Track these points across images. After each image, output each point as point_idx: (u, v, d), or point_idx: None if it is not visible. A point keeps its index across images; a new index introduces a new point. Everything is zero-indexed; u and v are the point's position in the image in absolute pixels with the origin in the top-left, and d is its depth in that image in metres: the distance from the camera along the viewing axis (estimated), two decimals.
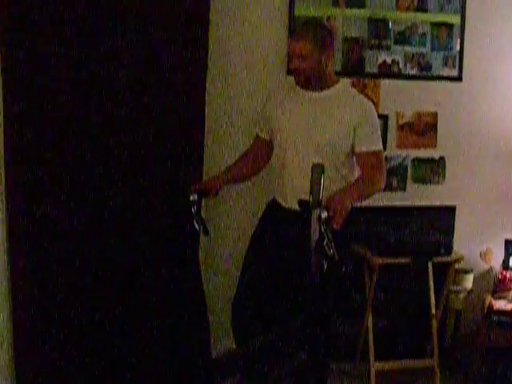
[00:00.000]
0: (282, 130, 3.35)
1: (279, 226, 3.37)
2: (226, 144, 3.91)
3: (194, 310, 3.69)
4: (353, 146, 3.28)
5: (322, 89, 3.29)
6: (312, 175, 2.94)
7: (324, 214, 2.92)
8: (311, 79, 3.25)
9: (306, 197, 3.02)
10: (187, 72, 3.56)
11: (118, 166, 3.51)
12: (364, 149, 3.27)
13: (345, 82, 3.45)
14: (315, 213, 2.92)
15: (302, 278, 3.20)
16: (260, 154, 3.55)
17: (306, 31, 3.23)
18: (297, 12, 3.90)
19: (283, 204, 3.38)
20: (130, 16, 3.42)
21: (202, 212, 3.50)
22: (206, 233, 3.41)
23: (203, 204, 3.52)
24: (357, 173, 3.38)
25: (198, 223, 3.35)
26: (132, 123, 3.50)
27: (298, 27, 3.35)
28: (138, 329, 3.63)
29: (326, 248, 2.91)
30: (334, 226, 2.92)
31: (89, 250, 3.48)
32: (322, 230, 2.92)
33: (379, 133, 3.37)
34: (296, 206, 3.16)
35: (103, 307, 3.54)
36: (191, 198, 3.34)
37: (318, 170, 2.92)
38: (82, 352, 3.51)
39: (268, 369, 3.44)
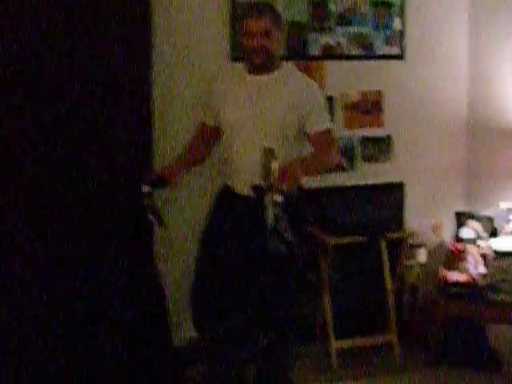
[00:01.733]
0: (230, 116, 3.32)
1: (233, 212, 3.34)
2: (173, 136, 3.88)
3: (152, 301, 3.67)
4: (304, 128, 3.28)
5: (270, 71, 3.26)
6: (263, 159, 2.96)
7: (278, 198, 2.93)
8: (270, 59, 3.22)
9: (257, 181, 3.07)
10: (132, 66, 3.55)
11: (65, 163, 3.48)
12: (316, 129, 3.27)
13: (289, 64, 3.43)
14: (269, 197, 2.94)
15: (260, 263, 3.22)
16: (208, 139, 3.52)
17: (263, 10, 3.21)
18: None
19: (235, 190, 3.36)
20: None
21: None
22: (162, 224, 3.40)
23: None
24: None
25: (153, 215, 3.32)
26: (77, 120, 3.48)
27: (250, 7, 3.29)
28: (97, 322, 3.58)
29: (283, 231, 2.94)
30: (284, 188, 2.93)
31: (41, 244, 3.45)
32: (277, 213, 2.93)
33: (326, 111, 3.39)
34: (248, 192, 3.19)
35: (60, 301, 3.52)
36: (144, 189, 3.30)
37: (268, 153, 2.94)
38: (41, 348, 3.48)
39: (231, 355, 3.46)
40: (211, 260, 3.40)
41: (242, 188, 3.29)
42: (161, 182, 3.39)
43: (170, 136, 3.87)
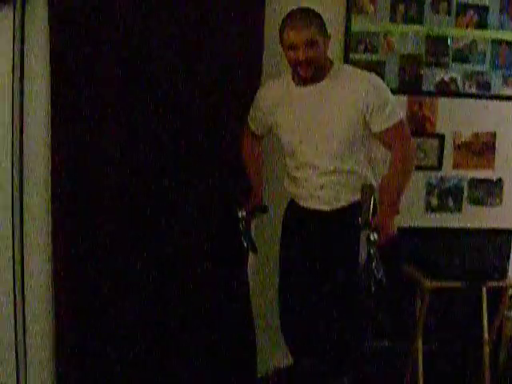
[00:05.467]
0: (287, 132, 3.19)
1: (308, 230, 3.24)
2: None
3: (241, 328, 3.65)
4: (369, 126, 3.09)
5: (319, 80, 3.09)
6: (362, 196, 2.90)
7: (373, 236, 2.86)
8: (318, 70, 3.04)
9: (327, 197, 3.11)
10: (243, 62, 3.49)
11: (167, 173, 3.48)
12: (382, 127, 3.07)
13: (340, 65, 3.26)
14: (364, 234, 2.87)
15: (349, 297, 3.13)
16: (259, 146, 3.47)
17: (306, 18, 2.98)
18: (353, 28, 3.84)
19: (305, 205, 3.24)
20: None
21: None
22: (254, 250, 3.36)
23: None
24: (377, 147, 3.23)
25: (245, 241, 3.30)
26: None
27: (290, 17, 3.03)
28: (185, 345, 3.60)
29: (375, 271, 2.86)
30: (383, 242, 2.91)
31: (135, 258, 3.47)
32: (372, 252, 2.87)
33: (393, 103, 3.10)
34: (318, 206, 3.15)
35: (148, 320, 3.53)
36: (239, 214, 3.29)
37: (367, 190, 2.88)
38: (125, 356, 3.50)
39: None
40: (296, 287, 3.33)
41: (309, 202, 3.21)
42: (260, 208, 3.38)
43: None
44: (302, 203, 3.25)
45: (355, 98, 3.04)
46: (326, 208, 3.17)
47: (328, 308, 3.20)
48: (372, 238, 2.85)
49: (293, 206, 3.33)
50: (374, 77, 3.15)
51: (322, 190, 3.14)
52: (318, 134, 3.10)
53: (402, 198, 3.07)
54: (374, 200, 2.89)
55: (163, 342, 3.55)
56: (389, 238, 2.97)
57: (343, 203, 3.15)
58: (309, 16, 3.01)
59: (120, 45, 3.29)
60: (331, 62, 3.17)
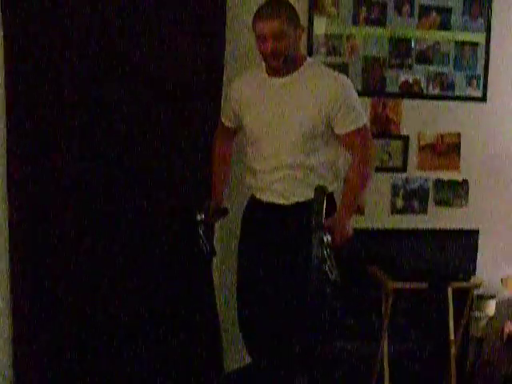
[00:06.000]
0: (253, 124, 3.18)
1: (265, 225, 3.23)
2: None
3: (207, 326, 3.67)
4: (332, 127, 3.09)
5: (290, 72, 3.09)
6: (314, 198, 2.90)
7: (327, 238, 2.86)
8: (287, 62, 3.03)
9: (283, 190, 3.11)
10: (205, 74, 3.52)
11: (128, 175, 3.48)
12: (343, 130, 3.07)
13: (313, 61, 3.27)
14: (317, 236, 2.87)
15: (299, 296, 3.13)
16: (231, 141, 3.44)
17: (275, 9, 2.95)
18: (316, 31, 3.86)
19: (263, 198, 3.23)
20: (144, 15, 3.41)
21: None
22: (213, 254, 3.36)
23: None
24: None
25: (203, 244, 3.29)
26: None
27: (261, 8, 3.01)
28: (150, 344, 3.60)
29: (329, 272, 2.86)
30: (337, 244, 2.93)
31: (95, 261, 3.46)
32: (325, 253, 2.86)
33: (358, 107, 3.10)
34: (275, 200, 3.15)
35: (110, 322, 3.53)
36: (198, 217, 3.28)
37: (319, 191, 2.87)
38: (85, 356, 3.49)
39: None
40: (252, 284, 3.33)
41: (269, 196, 3.20)
42: (219, 210, 3.38)
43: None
44: (259, 196, 3.25)
45: (322, 95, 3.03)
46: (281, 201, 3.16)
47: (283, 306, 3.19)
48: (325, 240, 2.85)
49: (251, 200, 3.33)
50: (344, 79, 3.16)
51: (279, 183, 3.14)
52: (280, 126, 3.09)
53: (361, 201, 3.09)
54: (327, 202, 2.88)
55: (126, 341, 3.55)
56: (344, 240, 2.98)
57: (300, 198, 3.14)
58: (278, 7, 2.98)
59: (80, 42, 3.30)
60: (304, 57, 3.18)
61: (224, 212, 3.42)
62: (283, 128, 3.09)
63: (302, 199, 3.14)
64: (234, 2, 3.62)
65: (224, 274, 3.82)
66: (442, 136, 4.08)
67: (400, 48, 3.98)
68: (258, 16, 3.00)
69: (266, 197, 3.21)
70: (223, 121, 3.40)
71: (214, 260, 3.65)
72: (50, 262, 3.38)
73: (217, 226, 3.65)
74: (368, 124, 3.23)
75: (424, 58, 4.01)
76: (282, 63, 3.03)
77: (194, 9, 3.46)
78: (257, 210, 3.29)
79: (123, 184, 3.46)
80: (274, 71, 3.10)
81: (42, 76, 3.25)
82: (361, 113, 3.12)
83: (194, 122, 3.54)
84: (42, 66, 3.25)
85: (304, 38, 3.78)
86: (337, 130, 3.10)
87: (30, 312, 3.36)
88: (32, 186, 3.29)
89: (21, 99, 3.23)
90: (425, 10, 3.97)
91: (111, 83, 3.39)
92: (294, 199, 3.15)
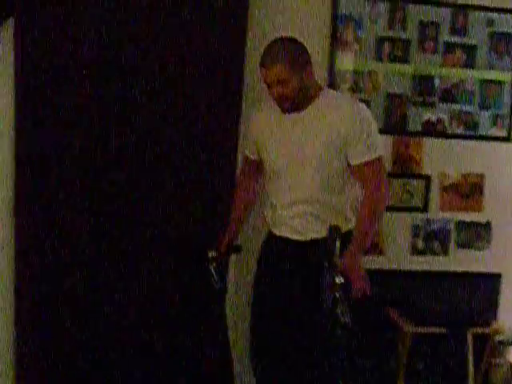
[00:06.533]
0: (270, 158, 3.11)
1: (281, 260, 3.14)
2: None
3: (219, 361, 3.60)
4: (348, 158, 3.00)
5: (304, 107, 3.00)
6: (327, 237, 2.81)
7: (339, 279, 2.77)
8: (297, 102, 2.96)
9: (299, 226, 3.03)
10: (222, 82, 3.52)
11: (141, 204, 3.49)
12: (356, 161, 2.96)
13: (328, 90, 3.16)
14: (327, 277, 2.78)
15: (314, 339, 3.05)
16: (256, 174, 3.34)
17: (277, 53, 2.88)
18: (338, 66, 3.79)
19: (279, 233, 3.14)
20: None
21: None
22: (224, 292, 3.31)
23: None
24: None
25: (214, 282, 3.22)
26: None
27: (264, 52, 2.95)
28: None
29: (340, 315, 2.76)
30: (356, 294, 2.82)
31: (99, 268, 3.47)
32: (337, 295, 2.77)
33: (375, 137, 2.98)
34: (291, 235, 3.06)
35: (112, 325, 3.53)
36: (210, 254, 3.22)
37: (333, 231, 2.79)
38: (86, 364, 3.48)
39: None
40: (266, 319, 3.22)
41: (284, 231, 3.11)
42: (233, 247, 3.31)
43: None
44: (276, 232, 3.17)
45: (337, 123, 2.93)
46: (297, 238, 3.08)
47: (295, 344, 3.11)
48: (338, 281, 2.75)
49: (269, 235, 3.26)
50: (362, 106, 3.02)
51: (295, 218, 3.06)
52: (296, 160, 3.01)
53: (372, 239, 2.99)
54: (344, 240, 2.80)
55: (128, 348, 3.55)
56: (360, 288, 2.88)
57: (315, 235, 3.05)
58: (278, 51, 2.90)
59: (93, 48, 3.32)
60: (320, 88, 3.08)
61: (237, 249, 3.35)
62: (299, 162, 3.01)
63: (318, 236, 3.05)
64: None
65: (238, 308, 3.74)
66: (465, 176, 3.98)
67: (423, 85, 3.90)
68: (261, 62, 2.94)
69: (282, 232, 3.14)
70: (248, 154, 3.33)
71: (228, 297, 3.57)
72: (53, 263, 3.39)
73: (232, 259, 3.57)
74: (384, 158, 3.09)
75: (448, 97, 3.92)
76: (291, 105, 2.97)
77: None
78: (274, 244, 3.21)
79: (133, 212, 3.48)
80: (290, 111, 3.04)
81: (53, 78, 3.29)
82: (377, 144, 2.99)
83: (213, 158, 3.54)
84: (54, 73, 3.29)
85: (325, 73, 3.75)
86: (351, 161, 2.99)
87: (31, 312, 3.37)
88: (40, 190, 3.33)
89: (33, 103, 3.27)
90: (449, 47, 3.90)
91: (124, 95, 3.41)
92: (310, 235, 3.06)
